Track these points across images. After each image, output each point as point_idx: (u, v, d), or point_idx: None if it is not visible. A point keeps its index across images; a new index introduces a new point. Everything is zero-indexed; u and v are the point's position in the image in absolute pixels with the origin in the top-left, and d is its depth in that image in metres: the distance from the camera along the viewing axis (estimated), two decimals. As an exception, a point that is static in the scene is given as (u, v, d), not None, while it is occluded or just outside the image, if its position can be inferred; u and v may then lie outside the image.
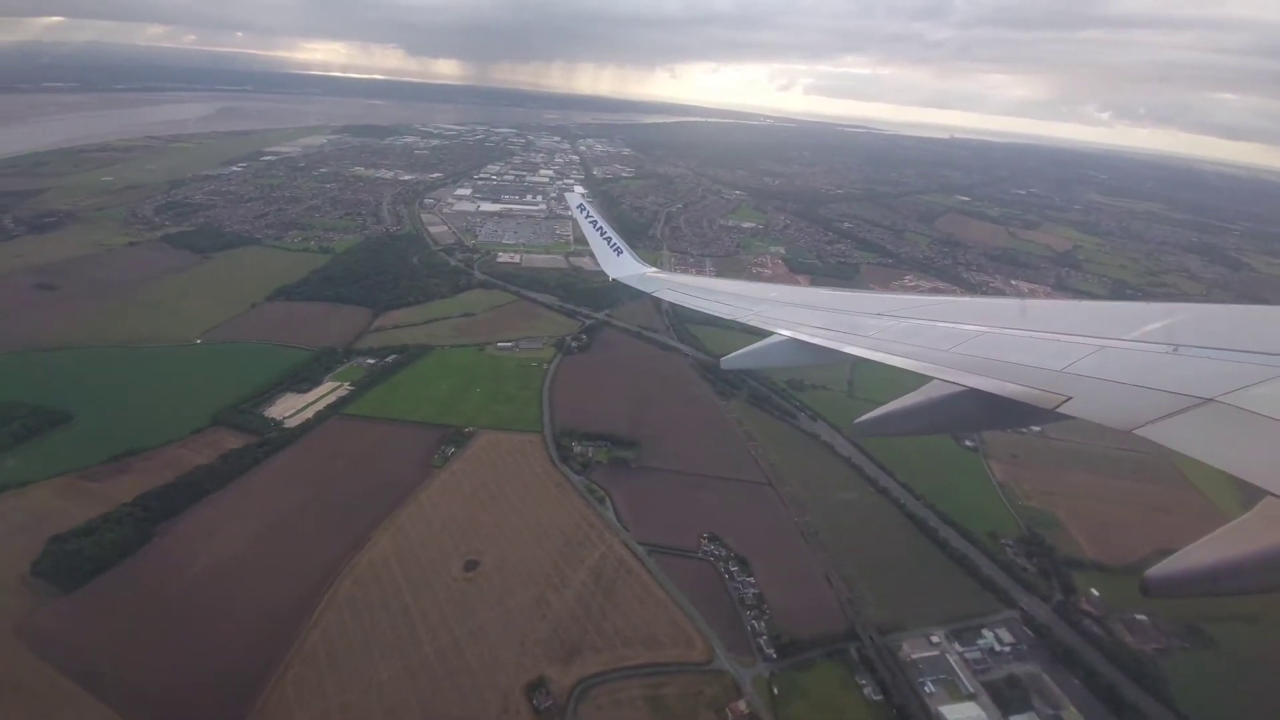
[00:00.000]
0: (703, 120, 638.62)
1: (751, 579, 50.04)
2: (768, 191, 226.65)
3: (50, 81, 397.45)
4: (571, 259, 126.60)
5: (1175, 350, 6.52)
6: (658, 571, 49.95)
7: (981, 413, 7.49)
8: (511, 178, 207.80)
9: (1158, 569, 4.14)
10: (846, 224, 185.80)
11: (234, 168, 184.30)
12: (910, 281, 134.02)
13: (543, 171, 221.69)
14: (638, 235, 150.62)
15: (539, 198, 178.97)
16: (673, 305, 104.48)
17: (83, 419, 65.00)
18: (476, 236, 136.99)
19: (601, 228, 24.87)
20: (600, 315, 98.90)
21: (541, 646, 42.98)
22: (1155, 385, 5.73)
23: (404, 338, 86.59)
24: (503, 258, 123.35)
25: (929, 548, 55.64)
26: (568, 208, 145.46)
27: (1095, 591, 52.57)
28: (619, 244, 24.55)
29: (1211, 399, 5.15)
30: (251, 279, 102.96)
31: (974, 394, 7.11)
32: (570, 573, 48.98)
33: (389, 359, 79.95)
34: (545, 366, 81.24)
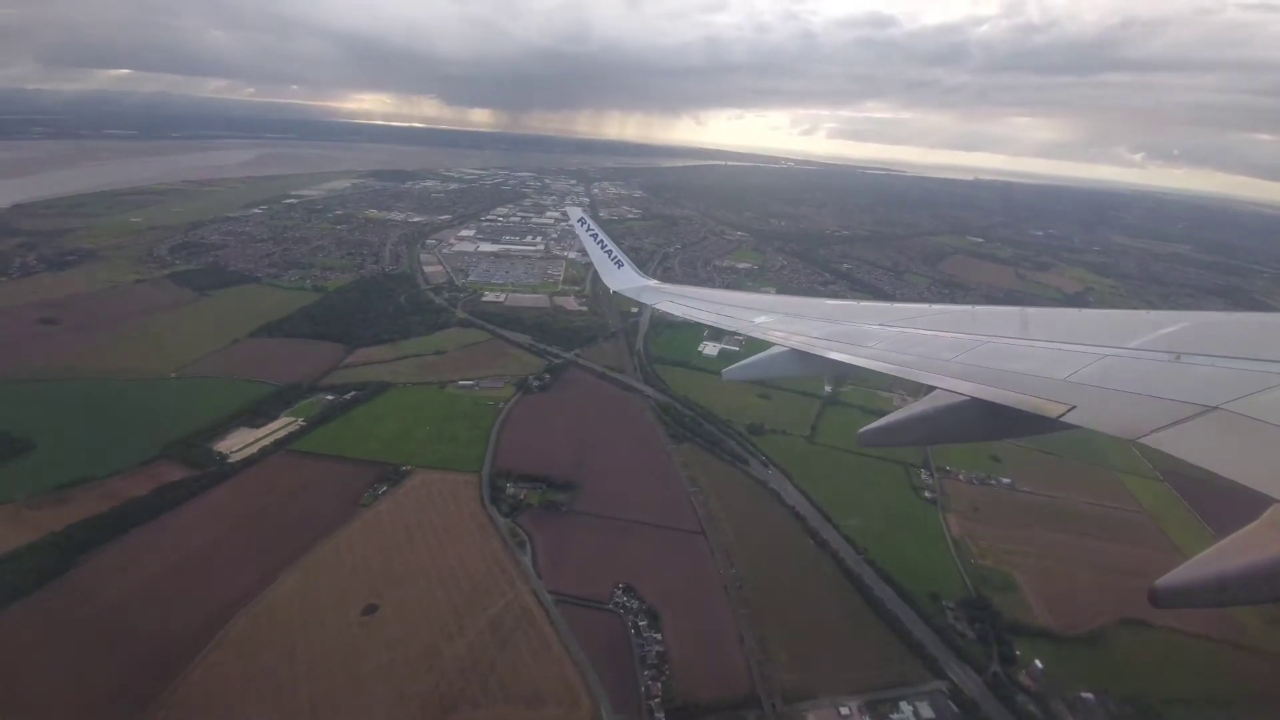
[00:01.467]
0: (723, 164, 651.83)
1: (659, 635, 47.63)
2: (772, 233, 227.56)
3: (111, 129, 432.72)
4: (555, 298, 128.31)
5: (1178, 359, 6.48)
6: (561, 623, 48.03)
7: (985, 422, 7.46)
8: (518, 219, 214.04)
9: (1167, 579, 4.10)
10: (846, 265, 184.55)
11: (255, 210, 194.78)
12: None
13: (549, 214, 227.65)
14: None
15: (539, 238, 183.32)
16: (644, 346, 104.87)
17: (43, 448, 67.24)
18: (468, 276, 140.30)
19: (602, 240, 25.22)
20: (569, 355, 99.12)
21: (419, 700, 41.35)
22: (1159, 394, 5.74)
23: (369, 374, 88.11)
24: (488, 296, 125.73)
25: (860, 608, 52.30)
26: (563, 244, 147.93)
27: (1039, 663, 48.26)
28: (620, 256, 24.83)
29: (1216, 407, 5.15)
30: (241, 315, 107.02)
31: (977, 403, 7.14)
32: (469, 621, 47.50)
33: (348, 395, 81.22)
34: (501, 406, 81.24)
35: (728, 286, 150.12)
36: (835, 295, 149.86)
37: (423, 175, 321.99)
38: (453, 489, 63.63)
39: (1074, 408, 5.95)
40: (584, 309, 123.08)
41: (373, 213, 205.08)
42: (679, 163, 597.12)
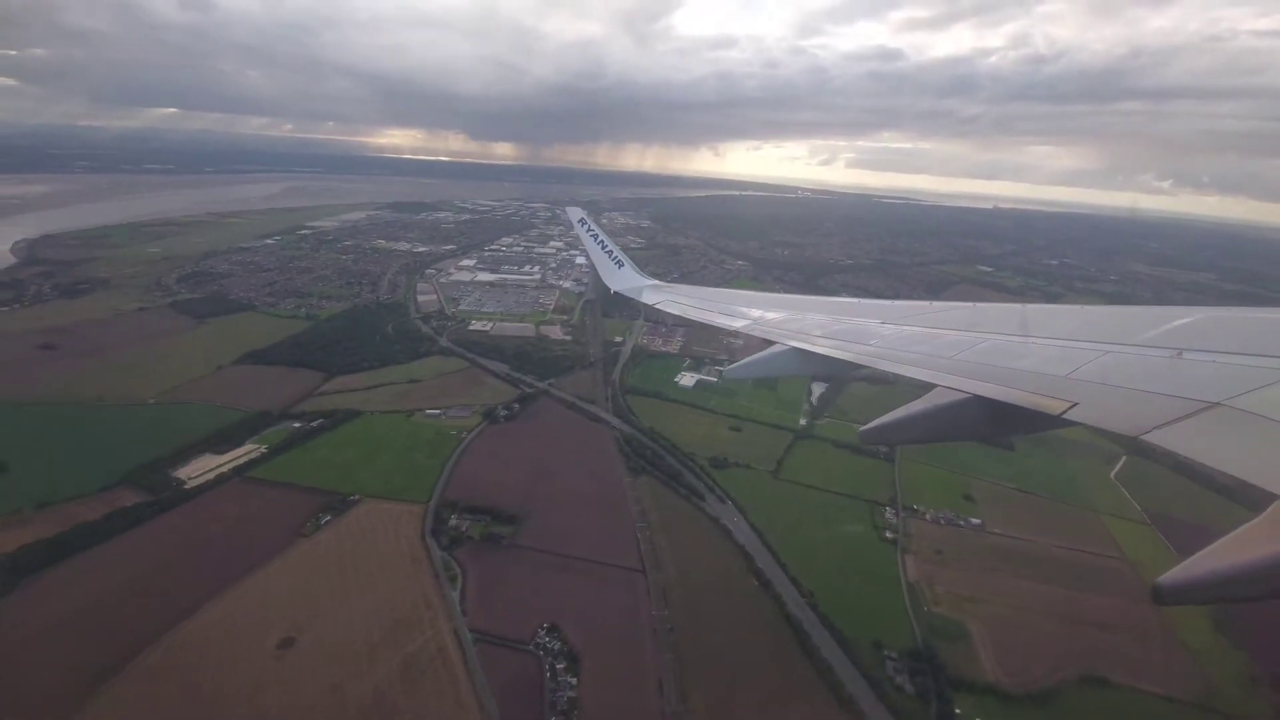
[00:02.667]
0: (738, 194, 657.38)
1: (575, 679, 45.98)
2: (773, 262, 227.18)
3: (151, 164, 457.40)
4: (541, 327, 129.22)
5: (1180, 355, 6.48)
6: (475, 665, 46.73)
7: (986, 420, 7.47)
8: (520, 249, 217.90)
9: (1169, 576, 4.09)
10: (842, 294, 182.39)
11: (268, 241, 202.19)
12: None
13: (552, 243, 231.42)
14: (620, 305, 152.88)
15: (537, 268, 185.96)
16: (620, 376, 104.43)
17: (15, 471, 69.16)
18: (459, 305, 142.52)
19: (603, 241, 25.72)
20: (543, 384, 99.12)
21: (314, 742, 40.41)
22: (1161, 390, 5.75)
23: (341, 402, 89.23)
24: (475, 325, 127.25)
25: (794, 656, 49.85)
26: (560, 274, 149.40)
27: (980, 723, 45.21)
28: (620, 257, 25.33)
29: (1218, 403, 5.16)
30: (231, 343, 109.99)
31: (978, 401, 7.13)
32: (383, 659, 46.56)
33: (314, 423, 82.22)
34: (464, 435, 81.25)
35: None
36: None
37: (438, 207, 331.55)
38: (396, 520, 63.30)
39: (1076, 405, 5.95)
40: (568, 338, 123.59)
41: (381, 243, 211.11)
42: (694, 193, 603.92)
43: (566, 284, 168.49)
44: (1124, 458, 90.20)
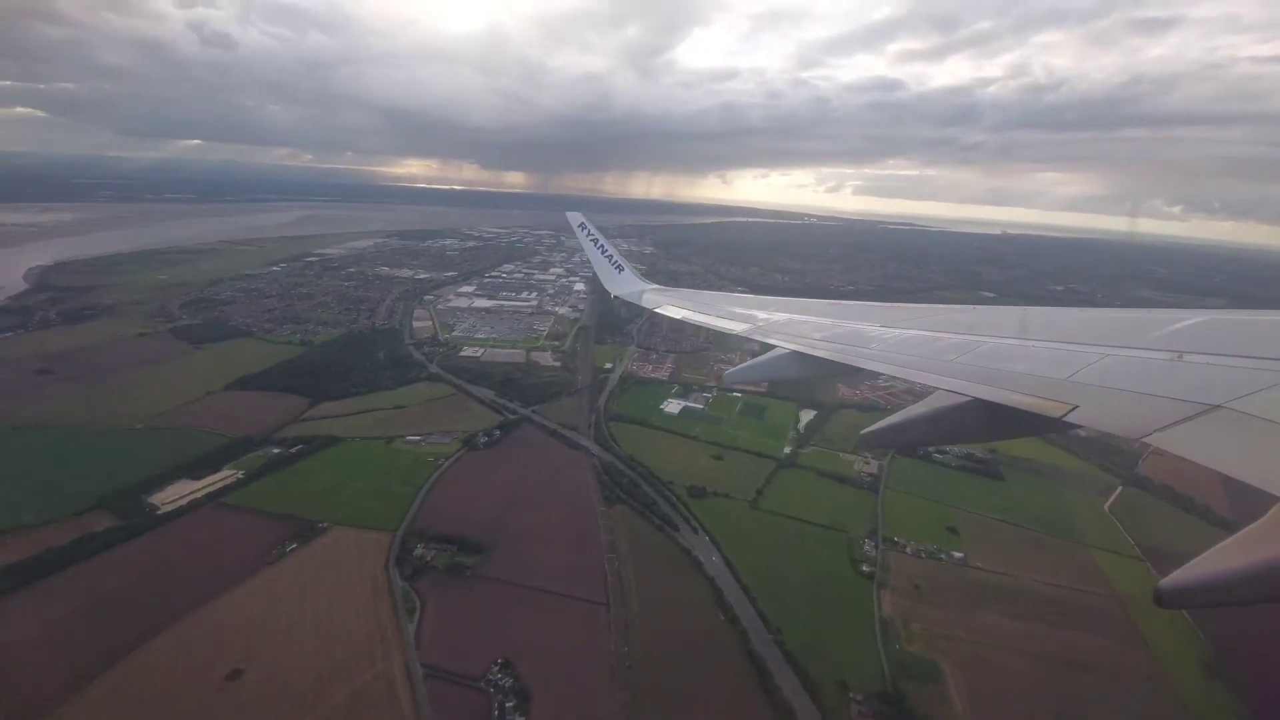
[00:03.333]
0: (745, 221, 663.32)
1: (522, 719, 44.64)
2: (771, 288, 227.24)
3: (172, 194, 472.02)
4: (532, 354, 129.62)
5: (1180, 358, 6.49)
6: (424, 702, 45.56)
7: (987, 423, 7.55)
8: (520, 276, 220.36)
9: (1170, 579, 4.10)
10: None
11: (274, 268, 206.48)
12: (884, 381, 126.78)
13: (553, 270, 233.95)
14: (614, 331, 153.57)
15: (534, 294, 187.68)
16: (606, 403, 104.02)
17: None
18: (453, 331, 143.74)
19: (602, 245, 26.13)
20: (527, 411, 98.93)
21: (248, 781, 39.35)
22: (1161, 393, 5.75)
23: (324, 428, 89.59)
24: (466, 352, 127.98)
25: (755, 696, 48.08)
26: (557, 300, 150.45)
27: (946, 772, 43.06)
28: (620, 261, 25.77)
29: (1219, 405, 5.17)
30: (224, 368, 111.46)
31: (979, 404, 7.17)
32: (329, 694, 45.56)
33: (294, 449, 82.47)
34: (442, 462, 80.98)
35: (707, 341, 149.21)
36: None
37: (445, 234, 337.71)
38: (362, 548, 62.74)
39: (1076, 407, 5.93)
40: (557, 364, 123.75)
41: (384, 270, 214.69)
42: (700, 220, 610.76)
43: (562, 310, 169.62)
44: (1119, 489, 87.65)
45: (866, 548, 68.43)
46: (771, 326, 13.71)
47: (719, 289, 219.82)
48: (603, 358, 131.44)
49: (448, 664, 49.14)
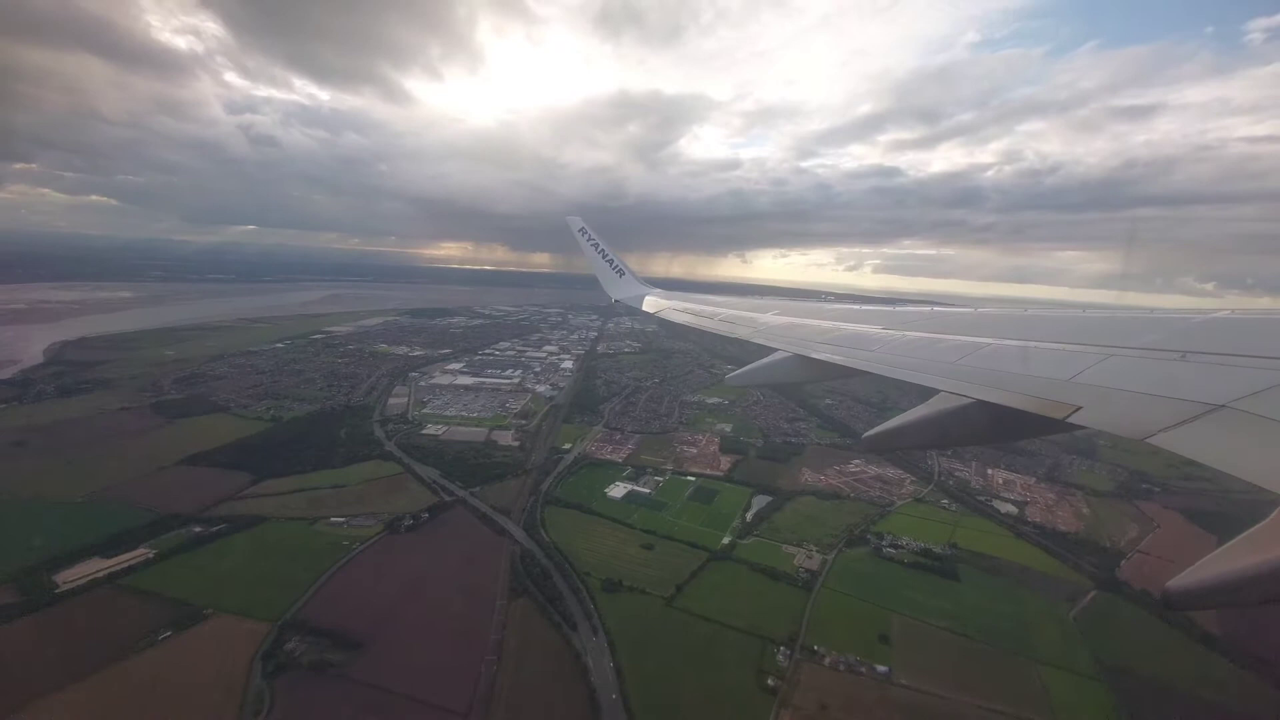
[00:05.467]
0: (759, 300, 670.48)
1: None
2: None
3: (215, 274, 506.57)
4: (494, 432, 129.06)
5: (1184, 357, 6.51)
6: (224, 823, 41.64)
7: (990, 425, 7.58)
8: (513, 353, 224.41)
9: (1178, 580, 4.11)
10: (828, 401, 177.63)
11: (279, 344, 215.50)
12: (855, 467, 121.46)
13: (546, 347, 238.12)
14: (587, 409, 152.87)
15: (520, 371, 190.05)
16: (551, 485, 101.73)
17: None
18: (424, 408, 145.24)
19: (603, 250, 26.92)
20: (465, 492, 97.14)
21: None
22: (1165, 393, 5.76)
23: (255, 507, 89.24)
24: (428, 429, 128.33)
25: (595, 836, 42.47)
26: (542, 378, 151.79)
27: None
28: (620, 265, 26.56)
29: (1224, 405, 5.18)
30: (186, 443, 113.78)
31: (982, 406, 7.22)
32: (126, 810, 42.11)
33: (215, 528, 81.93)
34: (355, 546, 79.04)
35: (679, 421, 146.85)
36: (795, 433, 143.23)
37: (457, 312, 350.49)
38: (233, 639, 60.19)
39: (1079, 409, 5.91)
40: (515, 444, 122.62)
41: (382, 347, 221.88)
42: (715, 296, 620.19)
43: (542, 388, 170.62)
44: (1091, 593, 79.71)
45: (780, 657, 62.50)
46: (774, 330, 13.66)
47: (709, 368, 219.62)
48: (566, 437, 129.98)
49: (268, 780, 45.29)
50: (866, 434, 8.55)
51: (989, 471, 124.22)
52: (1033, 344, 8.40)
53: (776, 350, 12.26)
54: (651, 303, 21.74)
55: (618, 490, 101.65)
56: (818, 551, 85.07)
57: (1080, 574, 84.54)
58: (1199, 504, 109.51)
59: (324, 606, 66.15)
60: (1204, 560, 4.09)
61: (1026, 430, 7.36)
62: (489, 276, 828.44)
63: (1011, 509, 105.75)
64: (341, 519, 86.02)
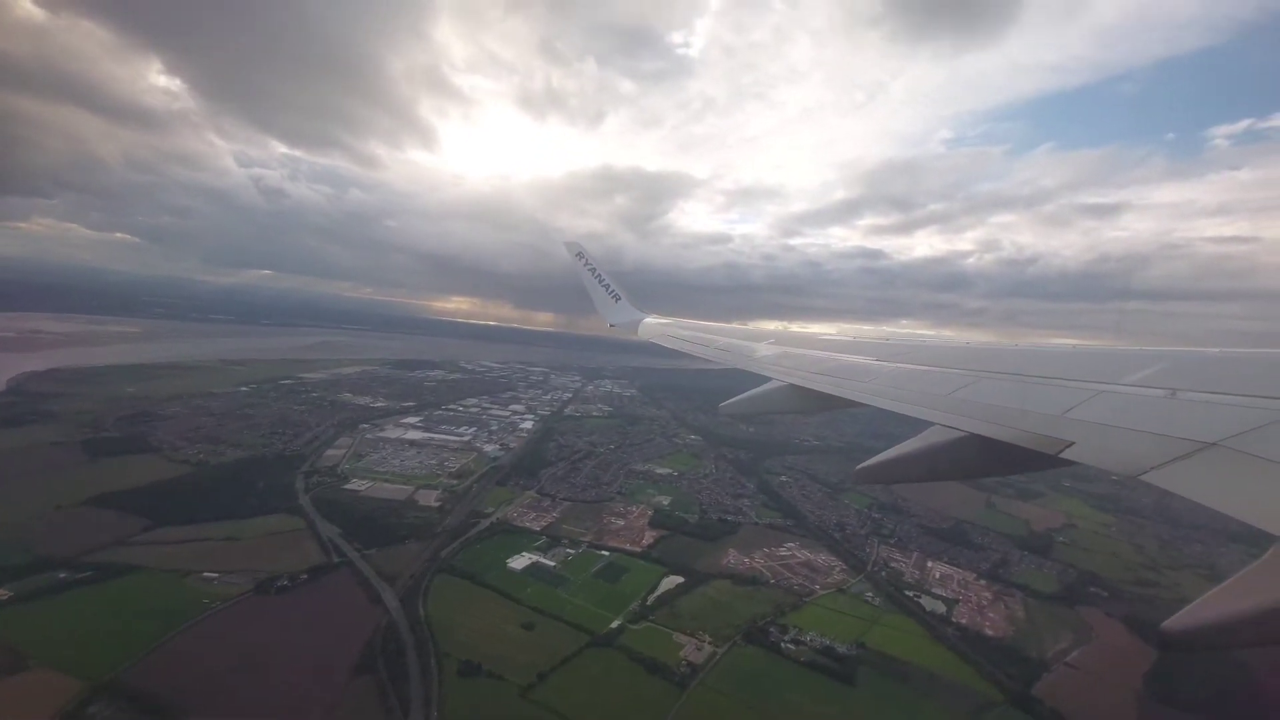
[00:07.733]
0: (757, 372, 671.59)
1: None
2: (730, 438, 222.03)
3: (218, 313, 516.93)
4: (420, 491, 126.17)
5: (1173, 395, 6.49)
6: None
7: (983, 459, 7.60)
8: (476, 410, 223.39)
9: (1174, 621, 3.96)
10: (783, 478, 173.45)
11: (243, 388, 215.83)
12: (785, 550, 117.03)
13: (512, 406, 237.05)
14: (527, 473, 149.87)
15: (474, 429, 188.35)
16: (452, 551, 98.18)
17: None
18: (360, 461, 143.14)
19: (599, 275, 26.73)
20: (358, 554, 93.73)
21: None
22: (1156, 430, 5.75)
23: (135, 555, 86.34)
24: (351, 484, 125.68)
25: None
26: (495, 438, 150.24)
27: None
28: (617, 290, 26.29)
29: (1215, 443, 5.17)
30: (96, 483, 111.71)
31: (975, 440, 7.24)
32: None
33: (82, 575, 78.99)
34: (216, 605, 75.54)
35: (616, 492, 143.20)
36: (734, 511, 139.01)
37: (440, 365, 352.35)
38: (41, 694, 56.39)
39: (1072, 444, 5.92)
40: (436, 505, 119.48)
41: (346, 396, 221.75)
42: (706, 366, 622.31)
43: (490, 448, 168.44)
44: (999, 707, 74.02)
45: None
46: (767, 359, 13.73)
47: (670, 436, 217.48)
48: (494, 500, 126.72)
49: None
50: (860, 466, 8.50)
51: (929, 564, 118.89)
52: (1026, 378, 8.43)
53: (770, 380, 12.33)
54: (648, 327, 21.92)
55: (520, 561, 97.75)
56: (710, 644, 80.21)
57: (993, 685, 78.88)
58: (1146, 613, 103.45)
59: (150, 670, 62.33)
60: (1199, 601, 3.96)
61: (1019, 465, 7.26)
62: (489, 332, 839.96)
63: (940, 607, 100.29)
64: (215, 574, 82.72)
